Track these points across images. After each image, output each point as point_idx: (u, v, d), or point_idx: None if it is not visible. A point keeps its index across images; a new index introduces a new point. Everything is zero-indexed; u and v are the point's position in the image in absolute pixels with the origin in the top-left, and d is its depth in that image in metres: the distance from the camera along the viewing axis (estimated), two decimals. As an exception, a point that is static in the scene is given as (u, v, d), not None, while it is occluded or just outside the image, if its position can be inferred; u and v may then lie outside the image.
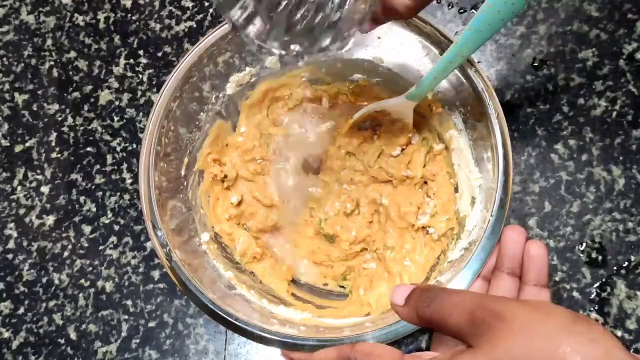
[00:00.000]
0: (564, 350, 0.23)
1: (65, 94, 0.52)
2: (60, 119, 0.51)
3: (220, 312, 0.35)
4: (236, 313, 0.35)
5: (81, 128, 0.51)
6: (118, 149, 0.50)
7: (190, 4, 0.52)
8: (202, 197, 0.44)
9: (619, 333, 0.42)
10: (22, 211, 0.49)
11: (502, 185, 0.36)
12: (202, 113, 0.43)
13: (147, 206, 0.37)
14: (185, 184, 0.42)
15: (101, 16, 0.53)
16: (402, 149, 0.45)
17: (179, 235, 0.39)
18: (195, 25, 0.52)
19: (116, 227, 0.48)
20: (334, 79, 0.45)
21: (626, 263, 0.44)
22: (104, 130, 0.50)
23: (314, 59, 0.44)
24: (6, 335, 0.46)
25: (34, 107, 0.52)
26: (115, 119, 0.51)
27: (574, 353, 0.22)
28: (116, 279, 0.46)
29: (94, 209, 0.48)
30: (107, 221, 0.48)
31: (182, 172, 0.42)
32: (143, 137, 0.38)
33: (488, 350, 0.24)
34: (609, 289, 0.44)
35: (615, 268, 0.44)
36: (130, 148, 0.50)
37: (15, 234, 0.48)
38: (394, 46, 0.41)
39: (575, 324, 0.24)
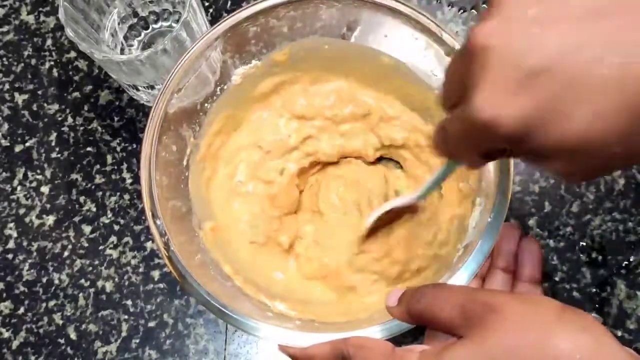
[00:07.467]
0: (555, 339, 0.23)
1: (65, 94, 0.52)
2: (60, 119, 0.51)
3: (217, 304, 0.35)
4: (233, 306, 0.35)
5: (81, 128, 0.51)
6: (118, 149, 0.50)
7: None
8: (203, 188, 0.44)
9: (619, 333, 0.42)
10: (22, 211, 0.49)
11: (502, 187, 0.36)
12: (206, 104, 0.42)
13: (147, 194, 0.37)
14: (186, 174, 0.42)
15: (101, 16, 0.53)
16: None
17: (179, 225, 0.39)
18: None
19: (116, 227, 0.48)
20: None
21: (626, 263, 0.44)
22: (104, 130, 0.50)
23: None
24: (6, 335, 0.46)
25: (34, 107, 0.52)
26: (115, 119, 0.51)
27: (565, 341, 0.23)
28: (116, 279, 0.46)
29: (94, 209, 0.48)
30: (107, 221, 0.48)
31: (184, 162, 0.42)
32: (146, 126, 0.38)
33: (479, 341, 0.24)
34: (609, 289, 0.44)
35: (615, 268, 0.44)
36: (130, 148, 0.50)
37: (15, 234, 0.48)
38: (400, 42, 0.41)
39: (566, 313, 0.24)
